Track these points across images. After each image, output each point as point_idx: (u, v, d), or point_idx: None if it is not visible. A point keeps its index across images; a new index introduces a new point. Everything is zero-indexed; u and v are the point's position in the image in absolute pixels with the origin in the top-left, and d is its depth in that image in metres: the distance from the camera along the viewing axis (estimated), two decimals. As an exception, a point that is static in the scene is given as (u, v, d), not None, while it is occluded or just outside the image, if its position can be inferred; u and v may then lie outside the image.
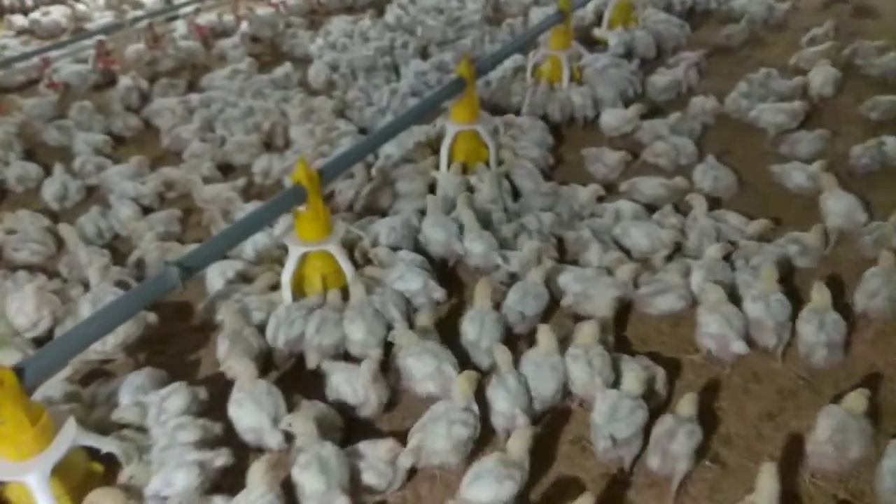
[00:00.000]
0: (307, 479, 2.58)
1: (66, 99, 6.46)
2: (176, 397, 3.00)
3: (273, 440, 2.88)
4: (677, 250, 3.95)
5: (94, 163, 5.29)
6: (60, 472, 2.62)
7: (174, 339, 3.72)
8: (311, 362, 3.30)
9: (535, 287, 3.53)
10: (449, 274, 4.02)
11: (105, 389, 3.15)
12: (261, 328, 3.41)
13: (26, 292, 3.59)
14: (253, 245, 3.97)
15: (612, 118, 5.32)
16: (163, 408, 2.97)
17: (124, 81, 6.54)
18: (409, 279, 3.62)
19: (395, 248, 3.92)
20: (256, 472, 2.54)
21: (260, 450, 2.92)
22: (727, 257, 3.74)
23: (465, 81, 4.47)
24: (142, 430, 2.95)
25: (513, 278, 3.74)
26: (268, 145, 5.55)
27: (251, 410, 2.87)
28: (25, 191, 5.22)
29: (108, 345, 3.42)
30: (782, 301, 3.26)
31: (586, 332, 3.13)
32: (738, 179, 4.61)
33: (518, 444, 2.62)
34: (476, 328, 3.26)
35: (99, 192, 5.08)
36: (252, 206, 4.33)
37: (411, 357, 3.08)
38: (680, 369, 3.33)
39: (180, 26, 7.99)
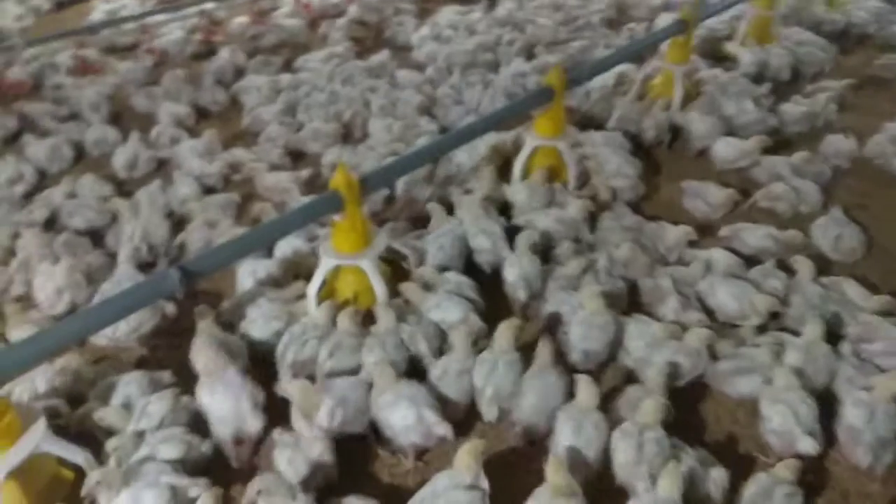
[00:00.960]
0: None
1: (163, 66, 6.48)
2: (161, 405, 2.75)
3: (254, 424, 2.62)
4: (775, 319, 3.29)
5: (169, 134, 5.21)
6: (21, 475, 2.42)
7: (193, 334, 3.47)
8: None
9: (598, 318, 3.07)
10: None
11: (100, 384, 2.94)
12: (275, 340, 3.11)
13: (56, 270, 3.46)
14: (290, 246, 3.66)
15: (728, 148, 4.62)
16: (146, 412, 2.73)
17: (222, 54, 6.48)
18: (448, 308, 3.19)
19: (444, 269, 3.51)
20: None
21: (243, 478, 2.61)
22: (835, 340, 3.06)
23: (553, 92, 3.96)
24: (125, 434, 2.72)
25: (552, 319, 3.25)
26: (346, 136, 5.27)
27: (225, 396, 2.62)
28: (101, 155, 5.21)
29: (120, 331, 3.22)
30: (892, 414, 2.58)
31: (647, 410, 2.62)
32: (868, 241, 3.84)
33: (559, 473, 2.31)
34: (483, 373, 2.81)
35: (169, 166, 4.99)
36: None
37: (385, 409, 2.68)
38: (750, 471, 2.70)
39: (287, 2, 7.87)
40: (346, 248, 3.21)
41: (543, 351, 2.90)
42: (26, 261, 3.76)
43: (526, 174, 4.16)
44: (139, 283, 2.61)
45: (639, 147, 4.78)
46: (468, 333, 3.01)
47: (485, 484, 2.37)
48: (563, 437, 2.59)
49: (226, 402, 2.63)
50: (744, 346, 3.08)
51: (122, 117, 5.76)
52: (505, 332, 2.91)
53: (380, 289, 3.21)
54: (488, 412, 2.81)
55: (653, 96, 5.16)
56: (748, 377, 2.93)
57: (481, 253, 3.65)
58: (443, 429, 2.63)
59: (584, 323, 3.09)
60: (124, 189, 4.70)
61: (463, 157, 4.44)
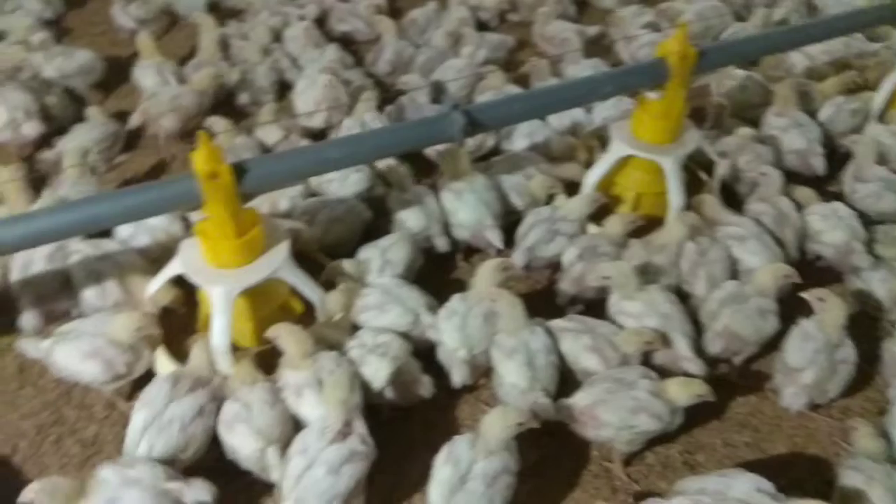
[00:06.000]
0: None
1: None
2: (399, 249, 2.45)
3: (495, 238, 2.55)
4: None
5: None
6: (251, 295, 2.21)
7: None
8: (568, 288, 2.45)
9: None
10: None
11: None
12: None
13: (317, 82, 3.18)
14: (569, 116, 3.07)
15: None
16: (386, 259, 2.43)
17: None
18: (752, 249, 2.47)
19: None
20: None
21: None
22: None
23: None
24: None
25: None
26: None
27: (471, 203, 2.54)
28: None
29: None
30: None
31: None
32: None
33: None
34: (807, 352, 2.13)
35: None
36: (591, 65, 3.42)
37: (621, 314, 2.26)
38: None
39: None
40: (647, 136, 2.57)
41: None
42: (290, 57, 3.56)
43: None
44: (416, 122, 2.19)
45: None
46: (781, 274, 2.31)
47: None
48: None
49: (472, 207, 2.55)
50: None
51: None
52: (841, 310, 2.16)
53: (676, 197, 2.56)
54: (794, 400, 2.16)
55: None
56: None
57: (788, 155, 2.93)
58: (695, 366, 2.14)
59: None
60: (396, 5, 4.28)
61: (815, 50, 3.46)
